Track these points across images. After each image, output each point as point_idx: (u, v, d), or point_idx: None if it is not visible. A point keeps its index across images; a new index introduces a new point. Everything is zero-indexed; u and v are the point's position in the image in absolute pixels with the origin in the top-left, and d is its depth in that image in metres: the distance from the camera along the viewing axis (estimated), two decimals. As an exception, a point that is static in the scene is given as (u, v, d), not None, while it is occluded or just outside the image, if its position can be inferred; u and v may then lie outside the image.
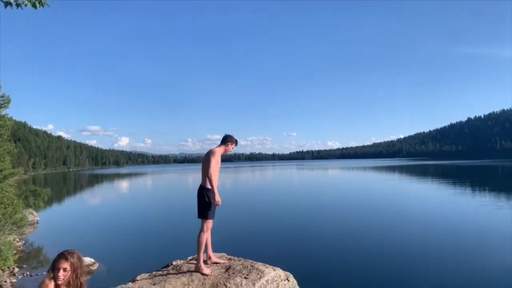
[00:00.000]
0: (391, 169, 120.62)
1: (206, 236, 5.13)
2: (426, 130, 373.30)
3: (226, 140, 5.48)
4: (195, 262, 5.34)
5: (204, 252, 5.19)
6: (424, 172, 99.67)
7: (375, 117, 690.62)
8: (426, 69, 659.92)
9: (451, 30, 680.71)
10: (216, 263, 5.33)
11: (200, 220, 5.20)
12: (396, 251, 19.44)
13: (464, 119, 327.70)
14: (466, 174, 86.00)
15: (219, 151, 5.33)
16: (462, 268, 16.43)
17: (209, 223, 5.13)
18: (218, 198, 5.05)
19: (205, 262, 5.26)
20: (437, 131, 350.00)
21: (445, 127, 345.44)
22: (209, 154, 5.19)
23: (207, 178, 5.06)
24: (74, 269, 2.86)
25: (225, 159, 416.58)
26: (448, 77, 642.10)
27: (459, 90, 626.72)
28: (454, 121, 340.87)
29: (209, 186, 5.06)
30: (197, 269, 4.97)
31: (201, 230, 5.09)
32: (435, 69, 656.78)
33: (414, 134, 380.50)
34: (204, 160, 5.22)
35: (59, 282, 2.81)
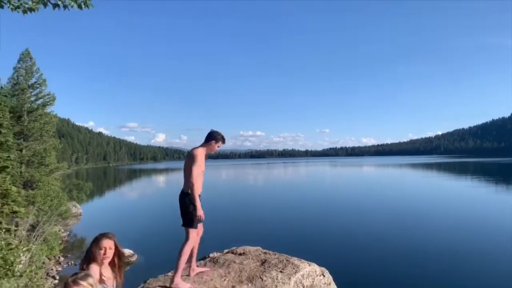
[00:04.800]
0: (429, 166, 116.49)
1: (192, 246, 4.49)
2: (466, 126, 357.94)
3: (210, 138, 4.65)
4: (230, 254, 5.40)
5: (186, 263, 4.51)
6: (463, 169, 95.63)
7: (411, 113, 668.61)
8: (466, 63, 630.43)
9: (491, 21, 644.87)
10: (201, 272, 4.76)
11: (184, 228, 4.52)
12: (431, 248, 19.11)
13: (507, 114, 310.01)
14: (509, 172, 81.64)
15: (202, 152, 4.53)
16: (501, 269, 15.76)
17: (195, 232, 4.48)
18: (200, 211, 4.33)
19: (188, 275, 4.64)
20: (477, 127, 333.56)
21: (486, 123, 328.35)
22: (191, 156, 4.45)
23: (189, 183, 4.38)
24: (116, 247, 2.97)
25: (258, 155, 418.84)
26: (489, 71, 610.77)
27: (501, 85, 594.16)
28: (496, 117, 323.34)
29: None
30: (173, 284, 4.24)
31: (186, 239, 4.41)
32: (475, 63, 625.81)
33: (453, 131, 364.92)
34: (187, 162, 4.49)
35: (106, 261, 2.90)
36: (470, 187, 50.49)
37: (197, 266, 4.92)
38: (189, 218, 4.42)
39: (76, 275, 2.34)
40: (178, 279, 4.25)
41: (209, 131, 4.73)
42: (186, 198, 4.41)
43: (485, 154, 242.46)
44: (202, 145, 4.64)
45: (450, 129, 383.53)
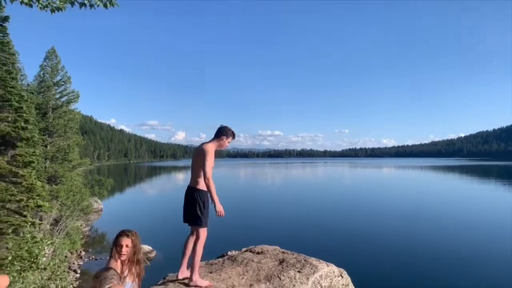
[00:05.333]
0: (451, 169, 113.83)
1: (204, 244, 4.33)
2: (490, 128, 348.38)
3: (221, 133, 4.45)
4: (249, 253, 5.41)
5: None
6: (486, 173, 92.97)
7: (433, 114, 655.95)
8: (487, 63, 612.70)
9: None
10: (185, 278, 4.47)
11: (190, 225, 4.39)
12: (451, 251, 18.87)
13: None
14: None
15: (213, 147, 4.34)
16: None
17: (205, 231, 4.35)
18: (220, 208, 4.10)
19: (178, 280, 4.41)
20: (502, 130, 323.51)
21: (511, 125, 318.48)
22: (203, 151, 4.23)
23: (199, 180, 4.23)
24: (134, 245, 3.00)
25: (276, 155, 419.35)
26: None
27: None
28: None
29: (201, 188, 4.25)
30: (191, 282, 4.18)
31: (197, 238, 4.30)
32: (497, 64, 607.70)
33: (476, 133, 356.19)
34: (197, 158, 4.30)
35: (122, 258, 2.95)
36: (493, 191, 49.14)
37: (213, 264, 5.00)
38: (199, 216, 4.25)
39: (104, 270, 2.42)
40: (196, 277, 4.20)
41: (218, 126, 4.54)
42: (196, 194, 4.25)
43: (510, 157, 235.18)
44: (212, 141, 4.43)
45: (474, 131, 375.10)
